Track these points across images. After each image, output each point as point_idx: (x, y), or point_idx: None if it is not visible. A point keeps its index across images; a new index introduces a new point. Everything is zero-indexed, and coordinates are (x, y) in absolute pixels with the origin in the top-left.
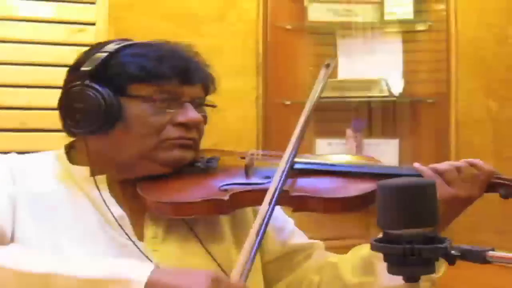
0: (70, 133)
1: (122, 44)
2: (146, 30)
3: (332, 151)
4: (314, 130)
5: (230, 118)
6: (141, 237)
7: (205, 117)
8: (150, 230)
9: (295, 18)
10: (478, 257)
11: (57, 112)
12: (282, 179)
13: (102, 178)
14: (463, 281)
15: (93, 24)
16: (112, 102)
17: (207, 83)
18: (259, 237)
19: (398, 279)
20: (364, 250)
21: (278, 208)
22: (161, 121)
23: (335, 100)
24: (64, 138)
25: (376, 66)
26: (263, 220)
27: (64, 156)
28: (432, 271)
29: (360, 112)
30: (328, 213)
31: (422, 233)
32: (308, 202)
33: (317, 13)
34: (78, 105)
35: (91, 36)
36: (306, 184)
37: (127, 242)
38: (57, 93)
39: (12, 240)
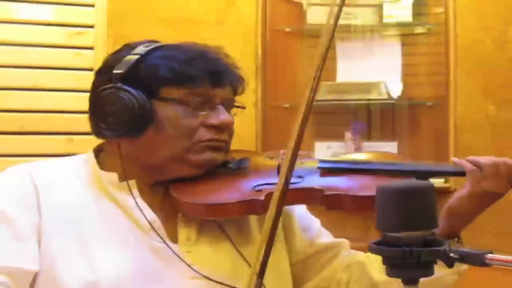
0: (100, 136)
1: (152, 46)
2: (144, 34)
3: (331, 154)
4: (313, 133)
5: None
6: (174, 240)
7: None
8: (183, 232)
9: (293, 21)
10: (477, 260)
11: (56, 115)
12: (286, 176)
13: (132, 183)
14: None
15: (92, 27)
16: (145, 105)
17: (237, 85)
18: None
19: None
20: None
21: (303, 208)
22: (193, 123)
23: (334, 103)
24: (63, 141)
25: (375, 69)
26: (273, 220)
27: (93, 160)
28: (431, 273)
29: (359, 115)
30: (361, 211)
31: (421, 236)
32: (341, 201)
33: (316, 16)
34: (111, 108)
35: (89, 39)
36: (339, 183)
37: (161, 245)
38: (56, 96)
39: (42, 260)
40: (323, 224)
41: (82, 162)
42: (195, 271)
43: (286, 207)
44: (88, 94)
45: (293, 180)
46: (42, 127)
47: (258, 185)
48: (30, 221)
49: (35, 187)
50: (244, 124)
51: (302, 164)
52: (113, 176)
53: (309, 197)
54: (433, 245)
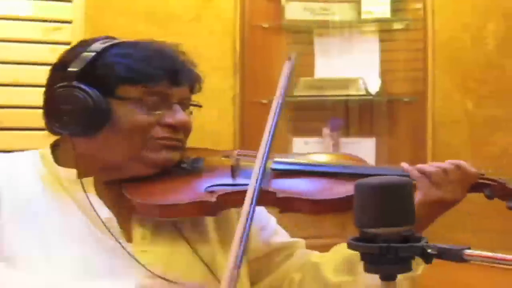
0: (55, 133)
1: (109, 44)
2: (122, 29)
3: (309, 150)
4: (290, 129)
5: (207, 117)
6: (129, 239)
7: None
8: (138, 232)
9: (272, 17)
10: (455, 256)
11: (34, 111)
12: (258, 179)
13: (89, 180)
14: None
15: (70, 22)
16: (101, 104)
17: (194, 84)
18: (243, 242)
19: (378, 280)
20: (345, 249)
21: (261, 207)
22: (148, 121)
23: (312, 99)
24: (41, 137)
25: (353, 65)
26: (245, 225)
27: (49, 157)
28: (409, 269)
29: (337, 111)
30: (315, 215)
31: (398, 232)
32: (294, 204)
33: (294, 12)
34: (66, 106)
35: (67, 34)
36: (293, 185)
37: (116, 244)
38: (34, 91)
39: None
40: (301, 221)
41: (38, 158)
42: (149, 271)
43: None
44: None
45: (246, 181)
46: (20, 122)
47: (210, 186)
48: None
49: None
50: (223, 120)
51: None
52: (72, 172)
53: (262, 199)
54: (411, 241)
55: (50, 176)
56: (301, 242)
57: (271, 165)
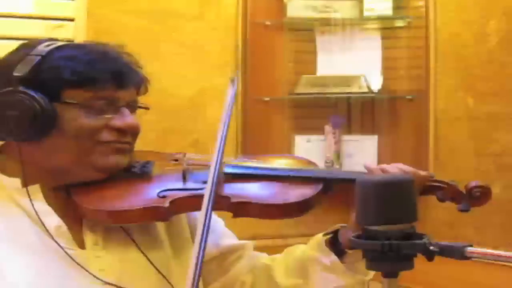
0: (2, 140)
1: (53, 46)
2: (125, 27)
3: (311, 148)
4: (292, 127)
5: (210, 114)
6: (82, 245)
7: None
8: (89, 238)
9: (274, 15)
10: (457, 253)
11: None
12: (213, 186)
13: (36, 188)
14: (442, 277)
15: (72, 20)
16: (48, 109)
17: (140, 86)
18: (202, 249)
19: (329, 284)
20: (297, 252)
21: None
22: (95, 124)
23: (314, 96)
24: None
25: (355, 63)
26: (203, 231)
27: None
28: (411, 267)
29: (339, 109)
30: (268, 219)
31: (400, 229)
32: (248, 208)
33: (296, 10)
34: (12, 112)
35: (69, 32)
36: (246, 190)
37: (69, 251)
38: None
39: None
40: (306, 219)
41: None
42: (101, 280)
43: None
44: None
45: (198, 186)
46: None
47: (162, 191)
48: None
49: None
50: None
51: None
52: (16, 182)
53: (216, 204)
54: (413, 238)
55: None
56: (250, 244)
57: (224, 169)
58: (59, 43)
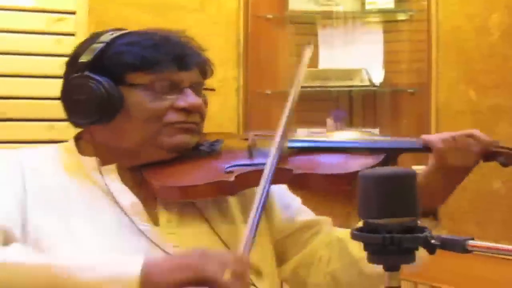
0: (75, 124)
1: (117, 34)
2: (126, 20)
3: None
4: (294, 120)
5: (212, 108)
6: (156, 222)
7: (205, 101)
8: (163, 215)
9: (275, 8)
10: (458, 246)
11: (37, 102)
12: (275, 157)
13: (112, 168)
14: (444, 270)
15: (73, 13)
16: (113, 92)
17: (204, 67)
18: (258, 213)
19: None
20: None
21: (283, 186)
22: (161, 106)
23: (316, 90)
24: (44, 128)
25: (356, 56)
26: (260, 199)
27: (73, 148)
28: (413, 260)
29: (341, 102)
30: (330, 189)
31: (402, 223)
32: (310, 179)
33: (297, 3)
34: (80, 96)
35: (71, 25)
36: (309, 162)
37: (144, 228)
38: (37, 82)
39: (25, 237)
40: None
41: (63, 149)
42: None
43: None
44: None
45: (263, 160)
46: (23, 114)
47: (229, 167)
48: (14, 193)
49: (22, 169)
50: (227, 111)
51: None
52: (94, 161)
53: (280, 177)
54: (415, 232)
55: (74, 167)
56: (327, 219)
57: (287, 143)
58: (123, 31)
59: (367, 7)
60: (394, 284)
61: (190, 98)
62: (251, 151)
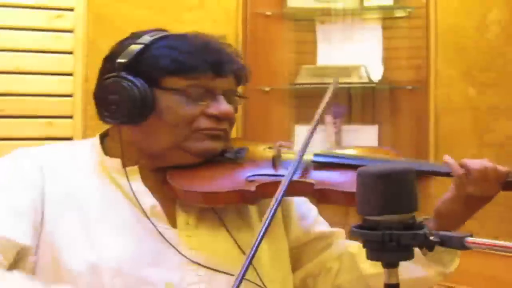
0: (105, 122)
1: (156, 36)
2: (125, 17)
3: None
4: (293, 117)
5: None
6: (174, 225)
7: (236, 108)
8: (181, 217)
9: (274, 5)
10: (457, 243)
11: (36, 99)
12: (294, 170)
13: (134, 169)
14: None
15: (72, 10)
16: (146, 94)
17: (239, 75)
18: (266, 224)
19: (417, 272)
20: None
21: (303, 198)
22: (193, 112)
23: (314, 87)
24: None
25: (355, 53)
26: (272, 209)
27: (98, 146)
28: (411, 257)
29: (340, 99)
30: (349, 206)
31: (401, 219)
32: (331, 195)
33: (296, 0)
34: (113, 96)
35: (70, 22)
36: (331, 177)
37: (162, 229)
38: (36, 79)
39: (43, 240)
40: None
41: (88, 146)
42: (191, 260)
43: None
44: (68, 77)
45: (285, 172)
46: (22, 110)
47: (251, 176)
48: (30, 198)
49: (41, 169)
50: None
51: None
52: (117, 162)
53: (300, 190)
54: (413, 229)
55: (96, 165)
56: (341, 232)
57: (312, 157)
58: (163, 34)
59: (366, 4)
60: (393, 281)
61: (222, 106)
62: (274, 162)
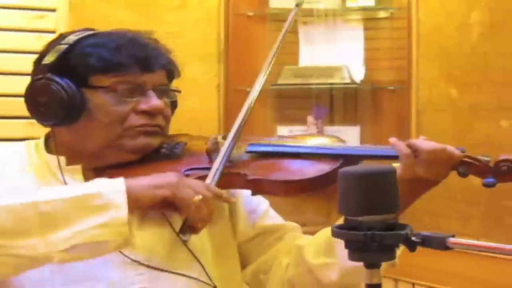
0: (42, 124)
1: (82, 35)
2: (106, 18)
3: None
4: (275, 117)
5: (192, 105)
6: None
7: (174, 102)
8: None
9: (256, 5)
10: (439, 243)
11: (17, 99)
12: (225, 156)
13: (77, 168)
14: (424, 268)
15: (54, 10)
16: (74, 94)
17: (170, 69)
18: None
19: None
20: (327, 232)
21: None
22: (124, 110)
23: (296, 87)
24: (24, 125)
25: (337, 53)
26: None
27: (42, 145)
28: (393, 257)
29: (322, 99)
30: (285, 196)
31: (383, 220)
32: (264, 185)
33: (278, 0)
34: (42, 98)
35: (51, 22)
36: (264, 167)
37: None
38: (17, 80)
39: None
40: (283, 207)
41: (32, 146)
42: (131, 259)
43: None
44: None
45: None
46: (3, 111)
47: (186, 170)
48: None
49: None
50: (207, 108)
51: (236, 148)
52: (60, 159)
53: (234, 181)
54: (395, 229)
55: (41, 164)
56: (293, 225)
57: (246, 147)
58: (89, 32)
59: (348, 4)
60: (375, 281)
61: (152, 101)
62: (210, 155)
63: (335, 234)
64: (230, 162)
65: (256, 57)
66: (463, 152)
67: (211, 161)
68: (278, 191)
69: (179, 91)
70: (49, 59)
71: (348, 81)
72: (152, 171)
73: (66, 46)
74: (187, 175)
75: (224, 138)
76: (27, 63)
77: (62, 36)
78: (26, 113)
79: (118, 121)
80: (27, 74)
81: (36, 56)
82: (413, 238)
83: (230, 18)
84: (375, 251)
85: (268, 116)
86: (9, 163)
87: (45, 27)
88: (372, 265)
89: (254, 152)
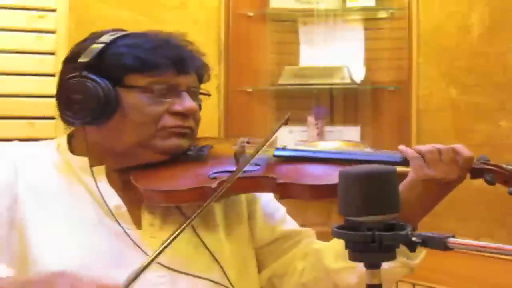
0: (68, 123)
1: (118, 35)
2: (107, 18)
3: (294, 139)
4: (275, 118)
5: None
6: (139, 226)
7: (200, 105)
8: (146, 219)
9: (257, 5)
10: (439, 244)
11: (17, 99)
12: (244, 165)
13: (100, 169)
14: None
15: (54, 11)
16: (110, 93)
17: (201, 72)
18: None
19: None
20: None
21: (270, 195)
22: (158, 110)
23: (297, 87)
24: (24, 126)
25: (337, 54)
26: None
27: (65, 146)
28: (394, 257)
29: (322, 100)
30: (313, 200)
31: (383, 220)
32: (293, 189)
33: (279, 0)
34: (77, 96)
35: (51, 22)
36: (293, 171)
37: (126, 231)
38: (18, 80)
39: (12, 234)
40: (286, 210)
41: (55, 146)
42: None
43: (254, 193)
44: (50, 78)
45: (249, 168)
46: (3, 111)
47: (213, 173)
48: (5, 192)
49: (14, 167)
50: (207, 109)
51: (263, 152)
52: (84, 161)
53: (263, 185)
54: (396, 229)
55: (63, 164)
56: (309, 231)
57: (274, 152)
58: (124, 32)
59: (348, 4)
60: (376, 281)
61: (186, 102)
62: (237, 158)
63: (335, 234)
64: (258, 166)
65: (256, 57)
66: (486, 160)
67: (238, 164)
68: (306, 195)
69: (210, 95)
70: (84, 58)
71: (348, 81)
72: (177, 172)
73: (102, 45)
74: (213, 178)
75: (248, 142)
76: (27, 63)
77: (96, 35)
78: (26, 113)
79: (152, 121)
80: (27, 74)
81: (36, 56)
82: (413, 239)
83: (230, 18)
84: (375, 251)
85: (268, 116)
86: (32, 163)
87: (45, 27)
88: (372, 265)
89: (282, 156)
